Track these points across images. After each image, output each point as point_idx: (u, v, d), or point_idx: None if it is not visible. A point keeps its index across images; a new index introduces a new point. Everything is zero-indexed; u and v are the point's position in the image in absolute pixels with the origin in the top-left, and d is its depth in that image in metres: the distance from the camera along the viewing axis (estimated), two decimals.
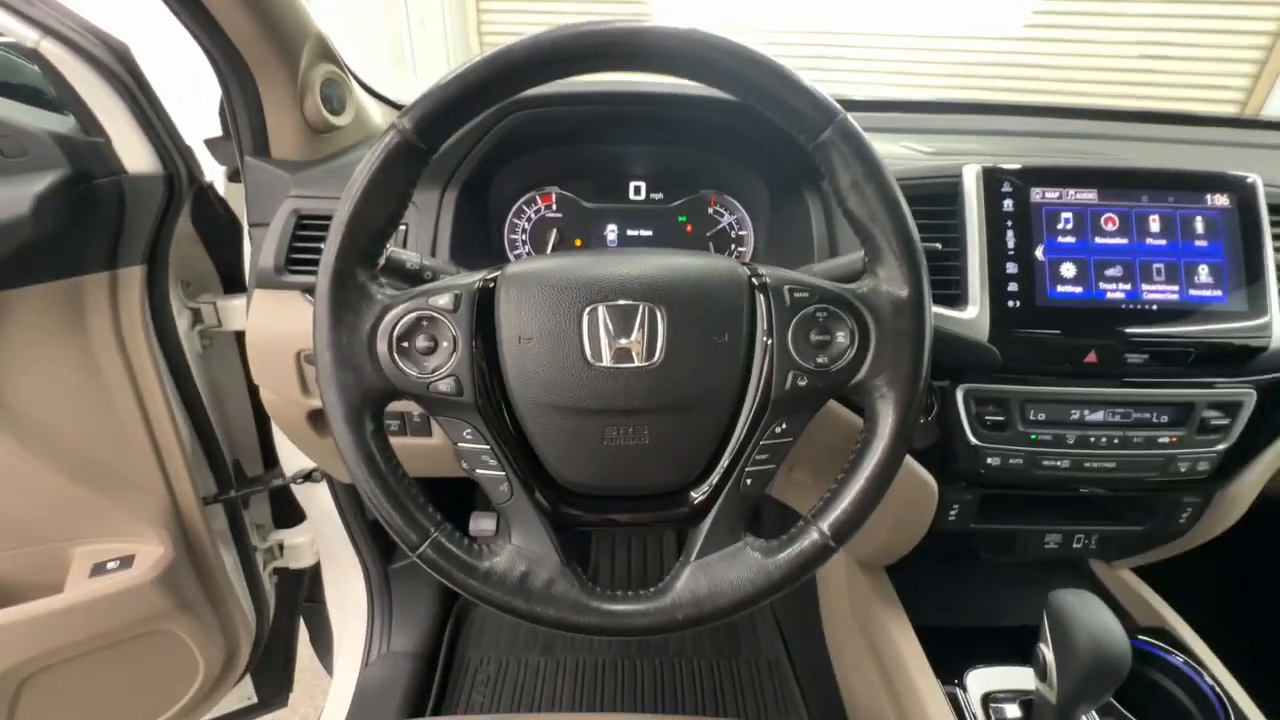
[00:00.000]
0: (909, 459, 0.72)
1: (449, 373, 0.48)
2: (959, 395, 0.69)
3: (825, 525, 0.49)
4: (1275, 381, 0.69)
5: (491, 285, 0.51)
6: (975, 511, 0.76)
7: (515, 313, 0.49)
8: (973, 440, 0.69)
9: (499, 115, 0.71)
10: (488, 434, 0.49)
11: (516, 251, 0.85)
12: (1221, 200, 0.68)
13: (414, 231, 0.74)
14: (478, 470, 0.50)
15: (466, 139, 0.72)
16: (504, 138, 0.74)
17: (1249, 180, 0.68)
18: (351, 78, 0.86)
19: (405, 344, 0.48)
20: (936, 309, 0.66)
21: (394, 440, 0.51)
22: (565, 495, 0.52)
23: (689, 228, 0.85)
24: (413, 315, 0.48)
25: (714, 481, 0.52)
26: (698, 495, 0.52)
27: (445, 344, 0.49)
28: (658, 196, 0.85)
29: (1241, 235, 0.67)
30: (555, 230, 0.85)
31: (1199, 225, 0.68)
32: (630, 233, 0.86)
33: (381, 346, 0.48)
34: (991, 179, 0.67)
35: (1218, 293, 0.67)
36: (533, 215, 0.85)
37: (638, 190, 0.85)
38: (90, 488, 0.85)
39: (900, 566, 0.89)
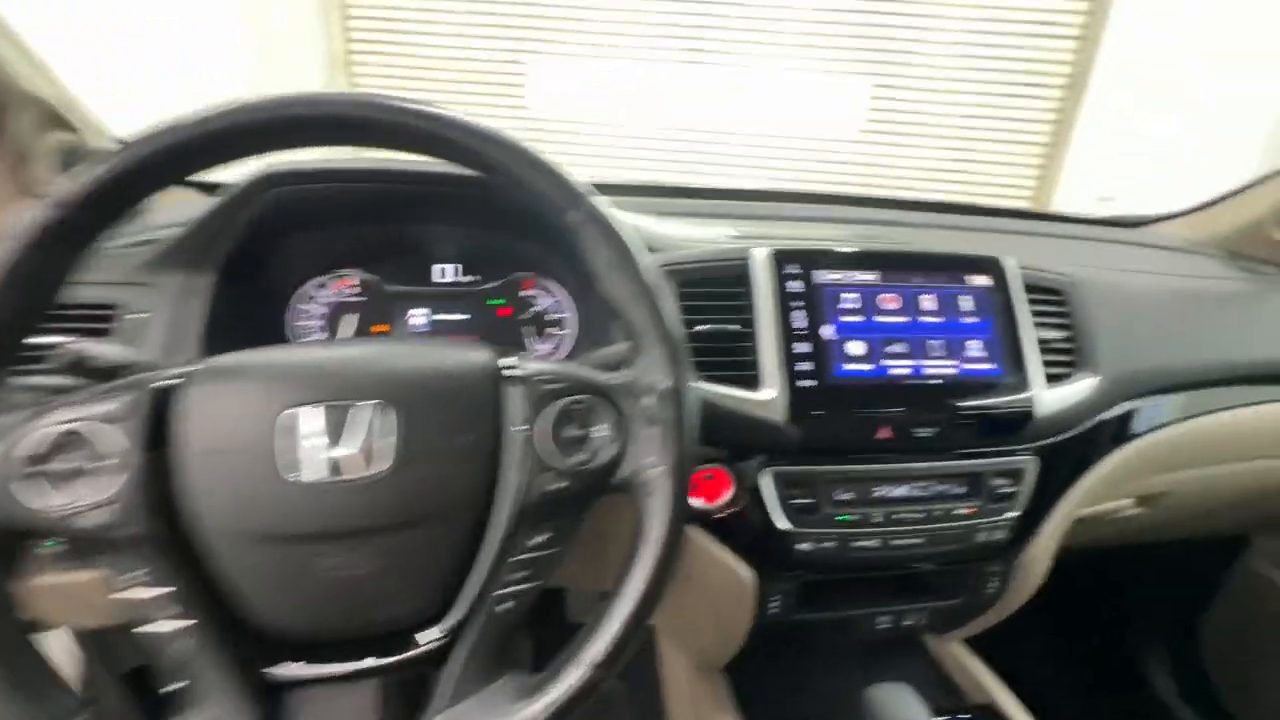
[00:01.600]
0: (721, 550, 0.68)
1: (109, 500, 0.38)
2: (767, 479, 0.66)
3: (590, 658, 0.42)
4: (1051, 447, 0.73)
5: (177, 384, 0.42)
6: (798, 602, 0.73)
7: (203, 418, 0.41)
8: (782, 525, 0.66)
9: (251, 192, 0.64)
10: (161, 576, 0.39)
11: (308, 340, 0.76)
12: (983, 280, 0.73)
13: (157, 323, 0.63)
14: (145, 626, 0.39)
15: (215, 217, 0.64)
16: (270, 216, 0.66)
17: (1001, 262, 0.74)
18: (107, 139, 0.76)
19: (44, 467, 0.38)
20: (733, 392, 0.64)
21: (55, 579, 0.40)
22: (269, 647, 0.42)
23: (502, 311, 0.80)
24: (57, 429, 0.38)
25: (461, 613, 0.44)
26: (442, 629, 0.44)
27: (107, 463, 0.39)
28: (471, 279, 0.81)
29: (1004, 312, 0.73)
30: (357, 315, 0.77)
31: (967, 303, 0.72)
32: (440, 318, 0.80)
33: (8, 471, 0.37)
34: (778, 261, 0.69)
35: (991, 366, 0.71)
36: (328, 299, 0.77)
37: (443, 273, 0.80)
38: None
39: (740, 664, 0.83)
